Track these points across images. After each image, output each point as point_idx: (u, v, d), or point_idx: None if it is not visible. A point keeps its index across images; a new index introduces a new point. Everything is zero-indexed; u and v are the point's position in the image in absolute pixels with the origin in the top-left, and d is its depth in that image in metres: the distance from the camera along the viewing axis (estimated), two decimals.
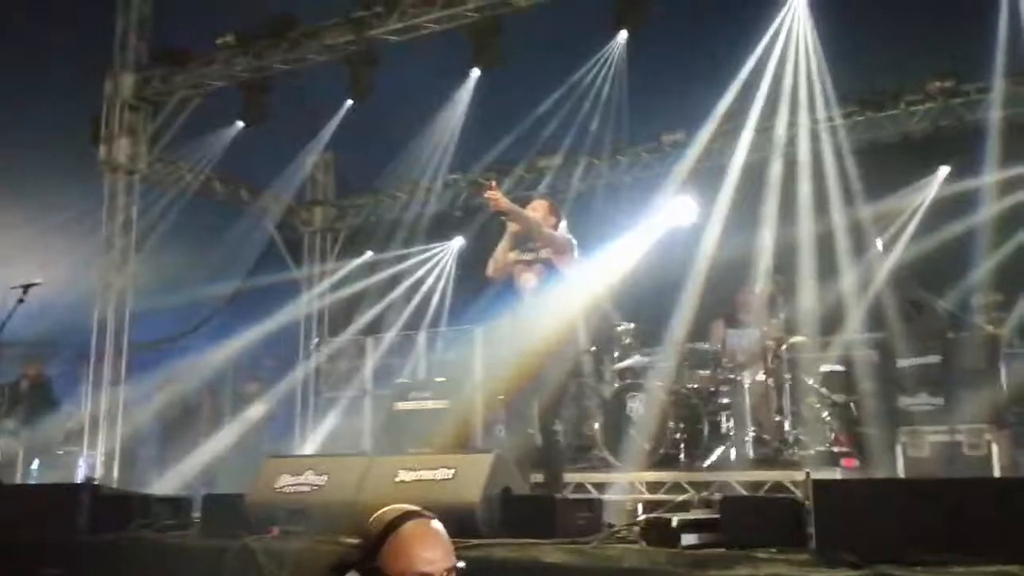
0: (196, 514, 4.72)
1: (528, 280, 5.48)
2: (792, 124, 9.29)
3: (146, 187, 10.96)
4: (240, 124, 10.89)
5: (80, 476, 9.72)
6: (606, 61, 9.57)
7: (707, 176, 10.36)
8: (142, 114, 10.84)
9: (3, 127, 10.52)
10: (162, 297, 11.23)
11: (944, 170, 9.23)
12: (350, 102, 10.64)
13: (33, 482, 9.41)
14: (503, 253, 5.55)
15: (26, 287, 6.73)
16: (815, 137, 9.50)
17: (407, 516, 2.13)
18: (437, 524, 2.15)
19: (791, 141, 9.39)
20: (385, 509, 2.18)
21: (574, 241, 5.58)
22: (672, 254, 9.91)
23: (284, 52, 10.05)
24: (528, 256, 5.54)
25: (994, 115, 8.43)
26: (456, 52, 9.50)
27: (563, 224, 5.66)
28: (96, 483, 4.92)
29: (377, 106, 10.34)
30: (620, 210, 10.62)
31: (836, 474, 6.18)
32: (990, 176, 8.19)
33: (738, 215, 9.48)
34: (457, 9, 9.04)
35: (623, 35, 9.26)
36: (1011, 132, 8.30)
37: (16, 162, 10.51)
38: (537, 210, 5.58)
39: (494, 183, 5.47)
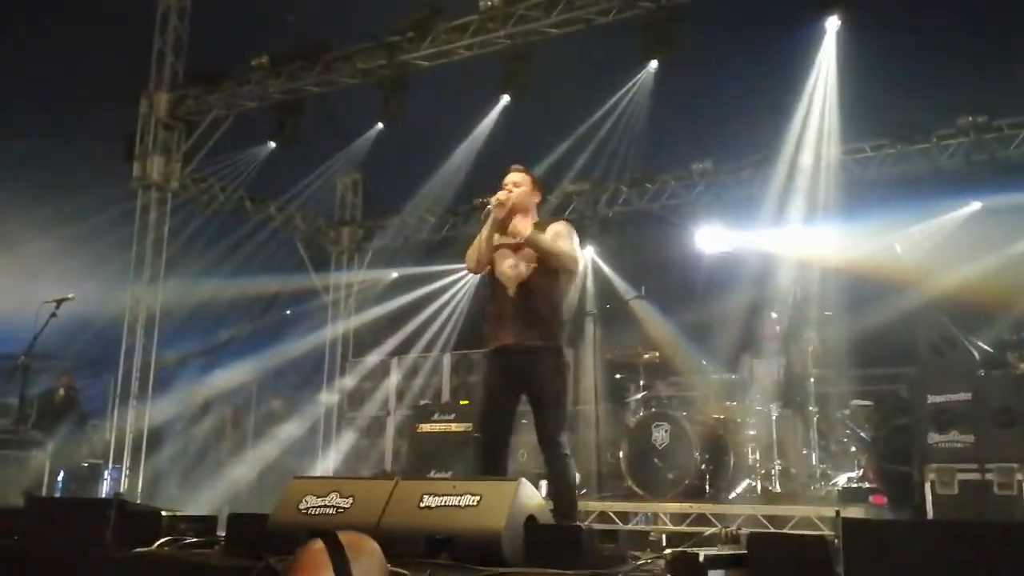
0: (221, 533, 4.73)
1: (512, 267, 4.75)
2: (821, 155, 9.27)
3: (177, 204, 11.10)
4: (272, 144, 11.03)
5: (105, 490, 9.79)
6: (636, 89, 9.61)
7: (735, 205, 10.38)
8: (176, 133, 11.02)
9: (40, 145, 10.70)
10: (189, 313, 11.34)
11: (975, 205, 9.18)
12: (380, 125, 10.77)
13: (58, 495, 9.48)
14: (488, 247, 4.77)
15: (59, 302, 6.84)
16: (845, 168, 9.49)
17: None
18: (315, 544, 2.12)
19: (819, 171, 9.36)
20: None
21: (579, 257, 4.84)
22: (696, 282, 9.92)
23: (317, 75, 10.19)
24: (513, 239, 4.78)
25: None
26: (487, 77, 9.58)
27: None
28: (123, 498, 4.92)
29: (407, 128, 10.43)
30: (649, 238, 10.66)
31: (864, 511, 6.10)
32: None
33: (766, 244, 9.48)
34: (489, 36, 9.12)
35: (653, 64, 9.30)
36: None
37: (51, 178, 10.69)
38: (520, 184, 4.84)
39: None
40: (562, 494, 4.59)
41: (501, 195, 4.81)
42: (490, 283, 4.88)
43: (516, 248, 4.77)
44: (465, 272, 12.12)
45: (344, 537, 2.14)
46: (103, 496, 9.49)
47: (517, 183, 4.84)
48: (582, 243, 11.30)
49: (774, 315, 7.80)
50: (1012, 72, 8.08)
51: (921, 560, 2.81)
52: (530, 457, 8.57)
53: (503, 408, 4.74)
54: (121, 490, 9.54)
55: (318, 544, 2.11)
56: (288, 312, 12.07)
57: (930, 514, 5.84)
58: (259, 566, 2.20)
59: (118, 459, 10.12)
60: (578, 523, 4.41)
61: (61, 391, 10.39)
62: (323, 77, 10.19)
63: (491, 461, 4.69)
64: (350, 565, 2.08)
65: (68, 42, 11.58)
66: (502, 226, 4.80)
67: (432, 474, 8.23)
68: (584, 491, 8.26)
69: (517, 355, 4.66)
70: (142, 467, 10.18)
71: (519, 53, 9.10)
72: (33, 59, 11.83)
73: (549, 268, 4.73)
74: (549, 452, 4.64)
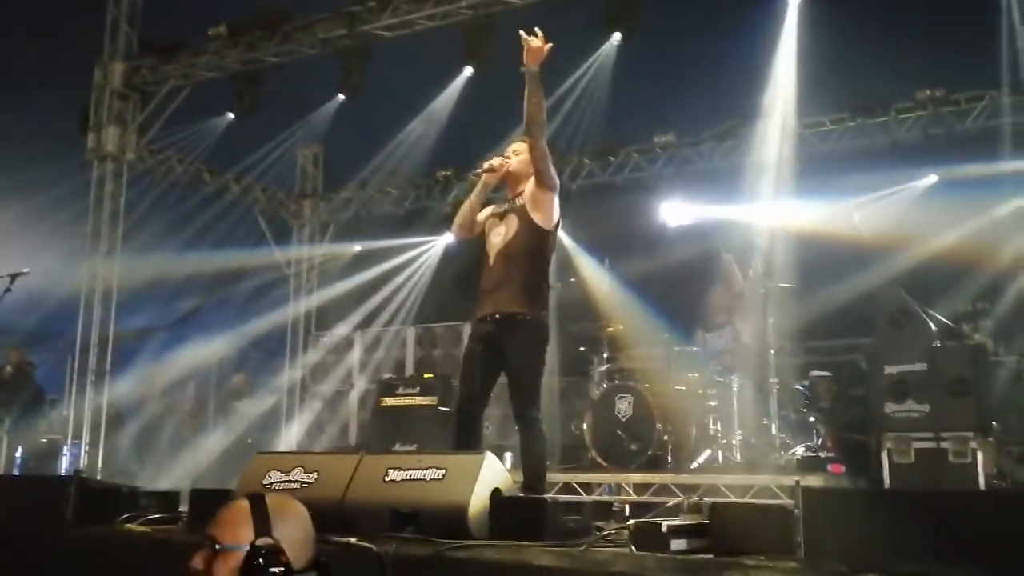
0: (183, 509, 4.70)
1: (497, 234, 4.71)
2: (782, 128, 9.32)
3: (133, 177, 10.91)
4: (230, 115, 10.86)
5: (64, 466, 9.68)
6: (599, 61, 9.59)
7: (697, 178, 10.44)
8: (131, 103, 10.79)
9: None
10: (147, 287, 11.19)
11: (932, 177, 9.31)
12: (341, 96, 10.65)
13: (17, 471, 9.37)
14: (472, 211, 4.78)
15: (13, 276, 6.70)
16: (805, 142, 9.58)
17: None
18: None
19: (780, 144, 9.42)
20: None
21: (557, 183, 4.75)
22: (659, 254, 9.99)
23: (276, 45, 10.02)
24: (504, 207, 4.80)
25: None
26: (449, 48, 9.50)
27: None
28: (83, 475, 4.87)
29: (368, 100, 10.32)
30: (612, 211, 10.68)
31: (823, 480, 6.22)
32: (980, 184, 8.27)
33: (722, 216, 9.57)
34: (451, 6, 9.03)
35: (616, 36, 9.29)
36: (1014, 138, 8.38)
37: (2, 151, 10.44)
38: (520, 152, 4.79)
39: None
40: (532, 465, 4.57)
41: (496, 161, 4.81)
42: (481, 257, 4.83)
43: (503, 216, 4.75)
44: (429, 245, 12.10)
45: (270, 499, 2.15)
46: (63, 473, 9.39)
47: (517, 151, 4.81)
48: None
49: (722, 286, 7.87)
50: (969, 45, 8.19)
51: (878, 527, 2.88)
52: (495, 430, 8.63)
53: (480, 376, 4.71)
54: (81, 466, 9.44)
55: (243, 502, 2.13)
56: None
57: (887, 482, 5.97)
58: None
59: (77, 435, 9.99)
60: (543, 495, 4.44)
61: (9, 367, 10.22)
62: (282, 47, 10.02)
63: (468, 431, 4.67)
64: (271, 525, 2.09)
65: (18, 11, 11.28)
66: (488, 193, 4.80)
67: (397, 448, 8.24)
68: (548, 463, 8.33)
69: (495, 324, 4.64)
70: (102, 443, 10.07)
71: (481, 23, 9.02)
72: None
73: (530, 233, 4.67)
74: (523, 423, 4.62)
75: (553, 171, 4.68)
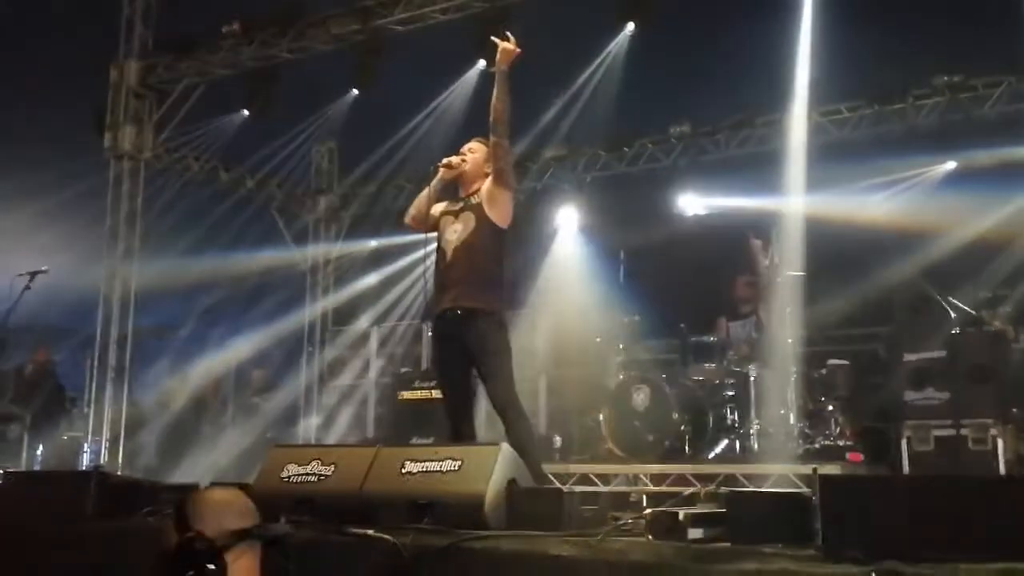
0: None
1: (453, 231, 4.77)
2: (799, 117, 9.25)
3: (150, 175, 10.97)
4: (245, 112, 10.89)
5: (84, 462, 9.77)
6: (613, 52, 9.55)
7: (713, 167, 10.39)
8: (147, 102, 10.83)
9: (7, 118, 10.51)
10: (166, 284, 11.25)
11: (950, 164, 9.22)
12: (355, 91, 10.66)
13: (38, 468, 9.45)
14: (427, 202, 4.85)
15: (33, 274, 6.76)
16: (821, 129, 9.50)
17: None
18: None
19: (796, 132, 9.35)
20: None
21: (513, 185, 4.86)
22: (676, 244, 9.95)
23: (290, 41, 10.04)
24: (457, 205, 4.87)
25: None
26: (463, 42, 9.48)
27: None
28: (103, 470, 4.92)
29: (384, 94, 10.32)
30: (627, 202, 10.65)
31: (841, 468, 6.19)
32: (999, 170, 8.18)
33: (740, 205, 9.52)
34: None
35: (630, 27, 9.25)
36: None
37: (22, 150, 10.52)
38: (475, 151, 4.91)
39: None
40: (524, 456, 4.57)
41: (455, 159, 4.90)
42: (436, 253, 4.90)
43: (458, 214, 4.82)
44: None
45: (194, 494, 2.39)
46: (83, 469, 9.47)
47: (472, 150, 4.92)
48: (563, 208, 11.25)
49: (746, 277, 7.84)
50: (986, 30, 8.09)
51: (897, 515, 2.85)
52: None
53: (455, 375, 4.78)
54: (102, 462, 9.52)
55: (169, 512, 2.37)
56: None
57: (906, 470, 5.94)
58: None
59: (97, 432, 10.07)
60: (559, 486, 4.44)
61: (35, 365, 10.31)
62: (296, 44, 10.04)
63: (457, 429, 4.73)
64: (188, 517, 2.26)
65: (34, 12, 11.36)
66: (446, 191, 4.91)
67: (414, 441, 8.25)
68: (566, 454, 8.33)
69: (454, 320, 4.69)
70: (122, 439, 10.15)
71: (495, 16, 9.00)
72: None
73: (486, 231, 4.73)
74: (505, 416, 4.63)
75: (512, 170, 4.80)
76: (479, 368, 4.72)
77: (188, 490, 4.87)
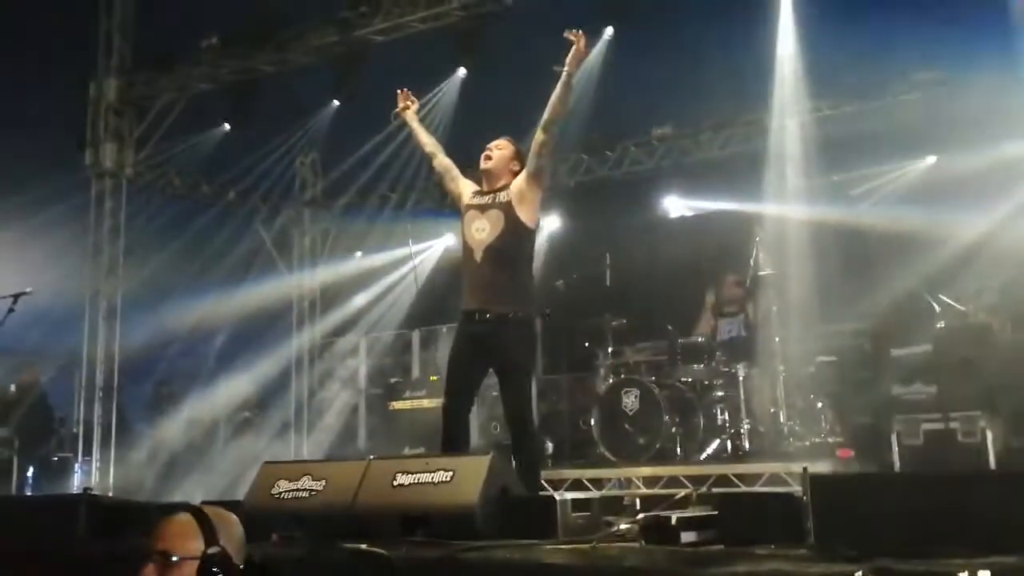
0: None
1: (480, 230, 4.68)
2: (779, 115, 9.29)
3: (133, 191, 10.91)
4: (226, 126, 10.86)
5: (76, 483, 9.70)
6: (592, 56, 9.55)
7: (696, 169, 10.42)
8: (127, 118, 10.79)
9: None
10: (152, 301, 11.18)
11: (931, 159, 9.28)
12: (336, 103, 10.65)
13: (29, 491, 9.39)
14: (422, 137, 5.12)
15: (16, 296, 6.70)
16: (803, 128, 9.54)
17: None
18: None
19: (778, 132, 9.39)
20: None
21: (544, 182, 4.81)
22: (661, 246, 9.97)
23: (269, 54, 10.02)
24: (484, 200, 4.77)
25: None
26: (443, 50, 9.49)
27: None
28: (93, 492, 4.88)
29: (366, 105, 10.29)
30: (612, 205, 10.67)
31: (831, 465, 6.21)
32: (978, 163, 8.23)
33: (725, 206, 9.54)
34: (442, 8, 9.02)
35: (609, 30, 9.27)
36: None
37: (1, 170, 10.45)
38: (503, 148, 4.87)
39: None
40: (526, 473, 4.47)
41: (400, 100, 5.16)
42: (461, 245, 4.83)
43: (484, 209, 4.71)
44: (428, 247, 12.09)
45: (209, 510, 2.38)
46: (75, 490, 9.40)
47: (500, 146, 4.89)
48: (547, 213, 11.28)
49: (734, 276, 7.87)
50: (966, 25, 8.14)
51: (887, 512, 2.87)
52: (504, 430, 8.62)
53: (466, 374, 4.72)
54: (93, 483, 9.46)
55: (185, 516, 2.33)
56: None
57: (897, 465, 5.96)
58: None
59: (87, 452, 10.01)
60: (551, 493, 4.44)
61: (21, 386, 10.23)
62: (276, 56, 10.02)
63: (455, 430, 4.66)
64: (216, 532, 2.29)
65: (9, 29, 11.28)
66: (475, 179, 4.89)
67: (406, 451, 8.25)
68: (558, 459, 8.33)
69: (483, 323, 4.61)
70: (112, 459, 10.08)
71: (473, 25, 9.02)
72: None
73: (516, 231, 4.66)
74: (516, 429, 4.60)
75: (549, 172, 4.78)
76: (502, 377, 4.66)
77: (180, 509, 4.86)
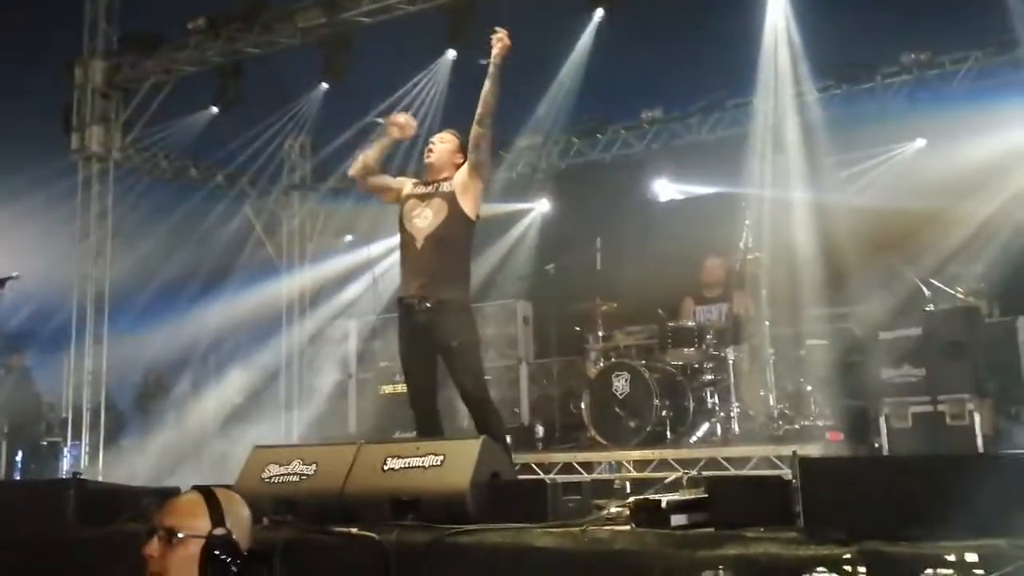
0: None
1: (422, 217, 4.73)
2: (769, 98, 9.28)
3: (120, 175, 10.84)
4: (214, 109, 10.78)
5: (65, 468, 9.68)
6: (583, 39, 9.52)
7: (686, 151, 10.41)
8: (114, 101, 10.69)
9: None
10: (139, 284, 11.13)
11: (920, 142, 9.29)
12: (325, 85, 10.58)
13: (18, 475, 9.37)
14: (369, 164, 4.88)
15: (3, 281, 6.66)
16: (793, 111, 9.53)
17: None
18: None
19: (768, 115, 9.38)
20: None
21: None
22: (651, 230, 9.97)
23: (256, 36, 9.93)
24: (426, 189, 4.82)
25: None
26: (432, 32, 9.43)
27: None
28: (82, 477, 4.86)
29: (356, 87, 10.23)
30: (602, 188, 10.65)
31: (821, 448, 6.23)
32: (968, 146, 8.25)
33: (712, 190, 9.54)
34: None
35: (599, 13, 9.22)
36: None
37: None
38: (445, 141, 4.93)
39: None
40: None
41: (412, 124, 4.95)
42: (400, 235, 4.88)
43: (425, 198, 4.78)
44: None
45: (218, 492, 2.40)
46: (64, 474, 9.38)
47: (443, 140, 4.94)
48: (538, 197, 11.32)
49: (717, 259, 7.87)
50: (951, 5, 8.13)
51: (877, 495, 2.88)
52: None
53: (423, 370, 4.80)
54: (82, 467, 9.43)
55: (194, 495, 2.36)
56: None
57: (886, 448, 5.99)
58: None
59: (76, 436, 9.98)
60: (542, 476, 4.46)
61: (8, 371, 10.19)
62: (262, 38, 9.93)
63: (428, 422, 4.76)
64: (224, 515, 2.31)
65: None
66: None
67: (397, 435, 8.24)
68: (548, 442, 8.35)
69: (423, 312, 4.68)
70: (101, 443, 10.05)
71: (463, 6, 8.95)
72: None
73: (458, 221, 4.73)
74: (474, 409, 4.67)
75: (490, 163, 4.83)
76: (449, 362, 4.72)
77: (170, 494, 4.85)
